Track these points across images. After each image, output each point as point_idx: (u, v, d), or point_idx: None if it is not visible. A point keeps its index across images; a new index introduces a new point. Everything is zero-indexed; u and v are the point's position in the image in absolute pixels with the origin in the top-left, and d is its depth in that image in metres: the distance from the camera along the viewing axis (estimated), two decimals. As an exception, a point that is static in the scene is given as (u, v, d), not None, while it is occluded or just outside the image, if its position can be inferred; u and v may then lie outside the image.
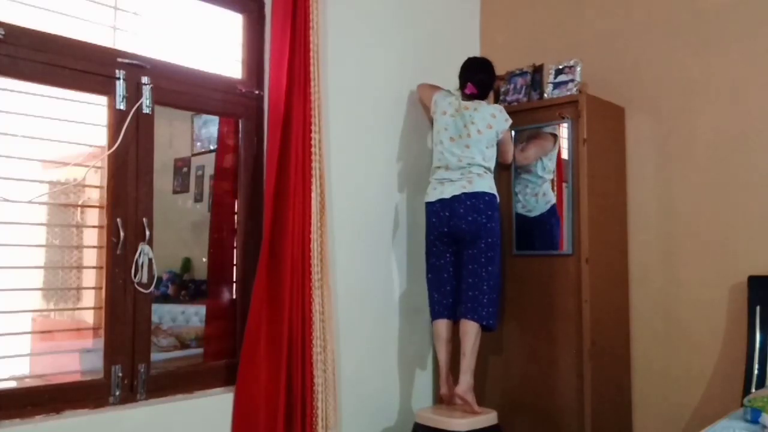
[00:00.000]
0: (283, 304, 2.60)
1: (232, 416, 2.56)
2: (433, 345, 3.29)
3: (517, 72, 3.45)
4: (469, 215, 2.91)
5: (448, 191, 2.96)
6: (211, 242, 2.98)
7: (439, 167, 3.05)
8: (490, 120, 2.99)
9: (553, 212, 3.15)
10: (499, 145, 3.09)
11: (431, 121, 3.24)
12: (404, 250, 3.38)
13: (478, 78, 3.10)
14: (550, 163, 3.19)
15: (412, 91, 3.41)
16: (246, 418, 2.55)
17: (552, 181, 3.19)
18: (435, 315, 3.07)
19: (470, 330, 2.89)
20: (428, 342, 3.44)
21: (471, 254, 2.94)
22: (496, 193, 3.00)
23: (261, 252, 2.64)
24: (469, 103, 3.04)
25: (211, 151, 3.53)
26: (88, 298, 2.54)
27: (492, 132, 3.00)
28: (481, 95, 3.09)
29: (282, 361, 2.58)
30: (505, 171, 3.32)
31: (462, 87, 3.13)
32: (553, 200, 3.16)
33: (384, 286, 3.27)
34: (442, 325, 3.04)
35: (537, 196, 3.21)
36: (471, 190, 2.92)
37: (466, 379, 2.88)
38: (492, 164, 3.04)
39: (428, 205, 3.04)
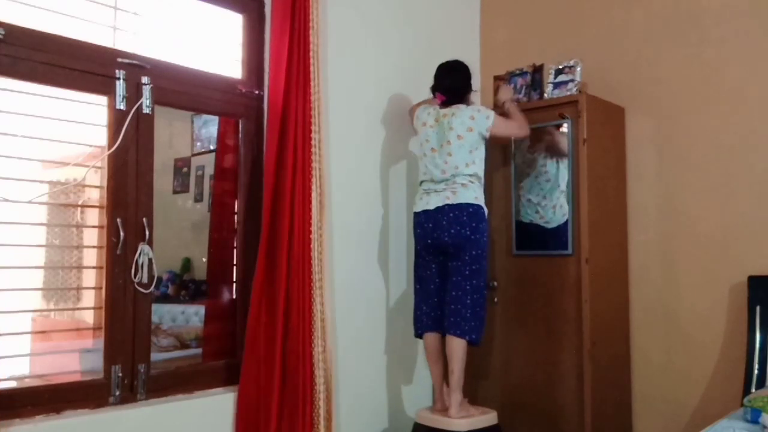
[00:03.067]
0: (279, 304, 2.60)
1: (234, 416, 2.57)
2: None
3: (517, 72, 3.45)
4: (452, 227, 2.84)
5: (432, 202, 2.90)
6: (211, 242, 2.98)
7: (424, 180, 3.00)
8: (470, 123, 2.90)
9: (567, 224, 3.10)
10: (499, 134, 2.97)
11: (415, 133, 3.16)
12: (403, 251, 3.37)
13: (444, 85, 3.02)
14: (567, 174, 3.12)
15: (412, 90, 3.40)
16: (247, 418, 2.56)
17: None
18: (423, 328, 2.99)
19: (456, 346, 2.83)
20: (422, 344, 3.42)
21: (455, 266, 2.87)
22: (482, 203, 2.89)
23: (259, 252, 2.64)
24: (447, 110, 2.96)
25: (211, 151, 3.53)
26: (88, 298, 2.54)
27: (474, 134, 2.90)
28: (451, 100, 2.99)
29: (276, 361, 2.58)
30: (506, 175, 3.32)
31: (434, 97, 3.08)
32: (568, 213, 3.09)
33: (381, 287, 3.27)
34: (431, 339, 2.97)
35: (555, 208, 3.15)
36: (455, 202, 2.85)
37: (455, 399, 2.83)
38: (479, 170, 2.94)
39: (414, 215, 2.99)
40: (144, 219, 2.39)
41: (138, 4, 2.50)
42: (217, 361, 2.71)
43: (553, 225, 3.17)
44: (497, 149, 3.35)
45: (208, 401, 2.53)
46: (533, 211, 3.24)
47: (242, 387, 2.56)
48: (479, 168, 2.95)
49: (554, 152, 3.18)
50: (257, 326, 2.60)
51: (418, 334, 3.03)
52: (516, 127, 3.06)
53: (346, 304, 3.03)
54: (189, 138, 3.58)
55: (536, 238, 3.23)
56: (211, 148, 3.52)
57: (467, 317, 2.82)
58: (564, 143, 3.13)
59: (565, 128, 3.13)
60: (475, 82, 3.60)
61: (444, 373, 2.97)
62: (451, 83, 3.02)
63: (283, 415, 2.59)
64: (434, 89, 3.06)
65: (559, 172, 3.15)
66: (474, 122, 2.91)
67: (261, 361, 2.59)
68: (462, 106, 2.97)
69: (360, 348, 3.13)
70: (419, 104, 3.18)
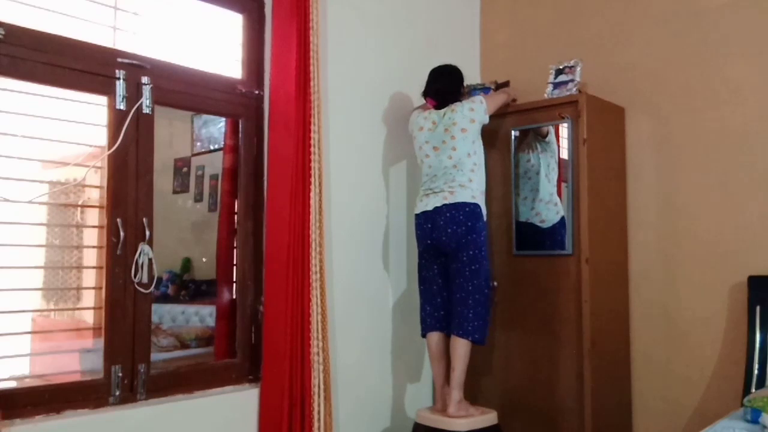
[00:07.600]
0: (285, 305, 2.61)
1: (258, 413, 2.61)
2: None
3: (479, 86, 3.49)
4: (449, 227, 2.87)
5: (431, 203, 2.93)
6: (219, 242, 2.96)
7: (426, 180, 3.02)
8: (471, 115, 2.97)
9: (563, 223, 3.12)
10: (493, 110, 3.08)
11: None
12: (403, 250, 3.37)
13: (433, 89, 3.07)
14: (554, 174, 3.20)
15: (412, 91, 3.40)
16: (270, 416, 2.59)
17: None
18: (428, 328, 3.02)
19: (459, 346, 2.86)
20: (425, 344, 3.42)
21: (456, 268, 2.90)
22: (479, 202, 2.92)
23: (266, 253, 2.65)
24: (444, 110, 3.02)
25: (211, 151, 3.54)
26: (88, 298, 2.54)
27: (476, 125, 2.98)
28: (442, 103, 3.04)
29: (285, 361, 2.59)
30: (506, 175, 3.32)
31: (425, 101, 3.13)
32: (563, 211, 3.13)
33: (381, 287, 3.27)
34: (435, 339, 2.99)
35: (548, 204, 3.18)
36: (452, 201, 2.88)
37: (455, 397, 2.85)
38: (480, 159, 2.99)
39: (415, 217, 3.03)
40: (144, 219, 2.39)
41: (138, 4, 2.50)
42: (217, 362, 2.71)
43: (548, 224, 3.19)
44: (497, 150, 3.36)
45: (208, 401, 2.52)
46: (528, 209, 3.25)
47: (264, 386, 2.62)
48: (480, 157, 3.01)
49: (535, 138, 3.25)
50: (273, 327, 2.62)
51: (423, 334, 3.06)
52: (501, 98, 3.21)
53: (347, 303, 3.03)
54: (189, 138, 3.59)
55: (534, 239, 3.23)
56: (211, 148, 3.53)
57: (470, 317, 2.85)
58: (543, 126, 3.21)
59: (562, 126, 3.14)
60: (476, 83, 3.62)
61: (446, 373, 2.97)
62: (442, 86, 3.08)
63: (293, 413, 2.60)
64: (425, 93, 3.11)
65: (541, 158, 3.20)
66: (474, 113, 2.98)
67: (277, 361, 2.61)
68: (457, 103, 3.03)
69: (361, 348, 3.13)
70: (415, 109, 3.22)
